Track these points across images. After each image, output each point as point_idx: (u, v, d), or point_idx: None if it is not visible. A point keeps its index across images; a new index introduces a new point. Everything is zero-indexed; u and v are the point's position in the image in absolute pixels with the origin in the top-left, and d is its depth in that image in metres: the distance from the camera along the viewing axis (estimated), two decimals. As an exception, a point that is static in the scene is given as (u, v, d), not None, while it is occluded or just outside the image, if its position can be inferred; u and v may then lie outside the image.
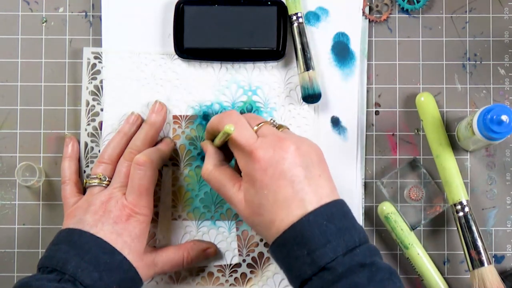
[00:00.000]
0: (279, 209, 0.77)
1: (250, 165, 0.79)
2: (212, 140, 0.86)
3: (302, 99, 0.92)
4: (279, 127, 0.83)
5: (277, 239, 0.77)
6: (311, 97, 0.92)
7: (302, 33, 0.92)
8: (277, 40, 0.92)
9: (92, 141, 0.93)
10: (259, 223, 0.79)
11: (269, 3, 0.92)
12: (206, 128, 0.85)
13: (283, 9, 0.92)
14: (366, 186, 0.93)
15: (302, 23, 0.93)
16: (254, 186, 0.78)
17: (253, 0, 0.92)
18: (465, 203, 0.90)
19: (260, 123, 0.82)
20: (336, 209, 0.77)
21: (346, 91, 0.93)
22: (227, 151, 0.85)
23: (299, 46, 0.92)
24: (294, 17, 0.93)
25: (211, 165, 0.83)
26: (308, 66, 0.92)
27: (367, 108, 0.94)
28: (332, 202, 0.77)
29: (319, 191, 0.78)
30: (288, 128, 0.84)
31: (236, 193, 0.81)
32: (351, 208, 0.81)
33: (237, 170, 0.84)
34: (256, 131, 0.81)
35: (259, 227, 0.79)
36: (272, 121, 0.84)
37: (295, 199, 0.77)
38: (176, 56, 0.93)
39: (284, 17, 0.93)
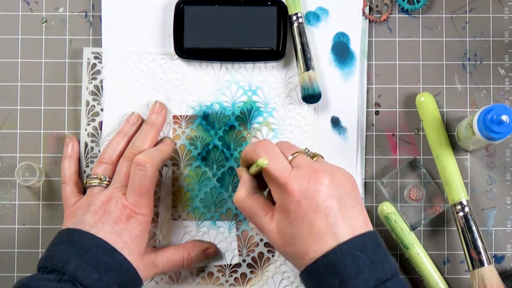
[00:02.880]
0: (313, 241, 0.77)
1: (285, 197, 0.78)
2: (248, 166, 0.85)
3: (302, 99, 0.92)
4: (313, 156, 0.82)
5: (309, 267, 0.77)
6: (311, 97, 0.92)
7: (302, 33, 0.92)
8: (277, 40, 0.92)
9: (92, 141, 0.93)
10: (291, 253, 0.79)
11: (269, 3, 0.92)
12: (241, 156, 0.85)
13: (283, 9, 0.92)
14: (366, 186, 0.93)
15: (302, 23, 0.93)
16: (288, 218, 0.78)
17: (253, 0, 0.92)
18: (465, 203, 0.90)
19: (295, 153, 0.81)
20: (369, 240, 0.77)
21: (346, 91, 0.93)
22: (261, 179, 0.84)
23: (299, 46, 0.92)
24: (294, 17, 0.93)
25: (244, 193, 0.83)
26: (308, 66, 0.92)
27: (367, 108, 0.94)
28: (365, 233, 0.77)
29: (353, 223, 0.78)
30: (322, 157, 0.83)
31: (269, 222, 0.80)
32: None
33: (270, 199, 0.83)
34: (290, 161, 0.81)
35: (291, 257, 0.79)
36: (306, 150, 0.83)
37: (329, 232, 0.77)
38: (176, 56, 0.93)
39: (284, 17, 0.93)
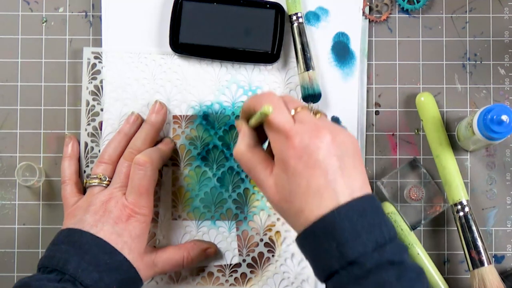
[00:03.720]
0: (310, 198, 0.75)
1: (285, 151, 0.76)
2: (247, 120, 0.82)
3: (302, 99, 0.92)
4: (316, 113, 0.80)
5: (306, 230, 0.75)
6: (311, 96, 0.92)
7: (302, 33, 0.92)
8: (273, 43, 0.92)
9: (92, 141, 0.93)
10: (287, 210, 0.77)
11: (268, 6, 0.92)
12: (242, 107, 0.82)
13: (281, 12, 0.92)
14: (366, 186, 0.93)
15: (302, 23, 0.93)
16: (286, 172, 0.76)
17: (253, 1, 0.92)
18: (465, 203, 0.90)
19: (298, 107, 0.79)
20: (368, 204, 0.75)
21: (346, 91, 0.93)
22: (261, 133, 0.81)
23: (299, 46, 0.92)
24: (294, 17, 0.93)
25: (244, 146, 0.80)
26: (308, 66, 0.92)
27: (367, 108, 0.94)
28: (364, 196, 0.75)
29: (352, 183, 0.75)
30: (325, 115, 0.81)
31: (268, 177, 0.78)
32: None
33: (270, 153, 0.81)
34: (293, 116, 0.78)
35: (287, 215, 0.77)
36: (310, 106, 0.80)
37: (327, 189, 0.74)
38: (176, 56, 0.93)
39: (281, 21, 0.93)
